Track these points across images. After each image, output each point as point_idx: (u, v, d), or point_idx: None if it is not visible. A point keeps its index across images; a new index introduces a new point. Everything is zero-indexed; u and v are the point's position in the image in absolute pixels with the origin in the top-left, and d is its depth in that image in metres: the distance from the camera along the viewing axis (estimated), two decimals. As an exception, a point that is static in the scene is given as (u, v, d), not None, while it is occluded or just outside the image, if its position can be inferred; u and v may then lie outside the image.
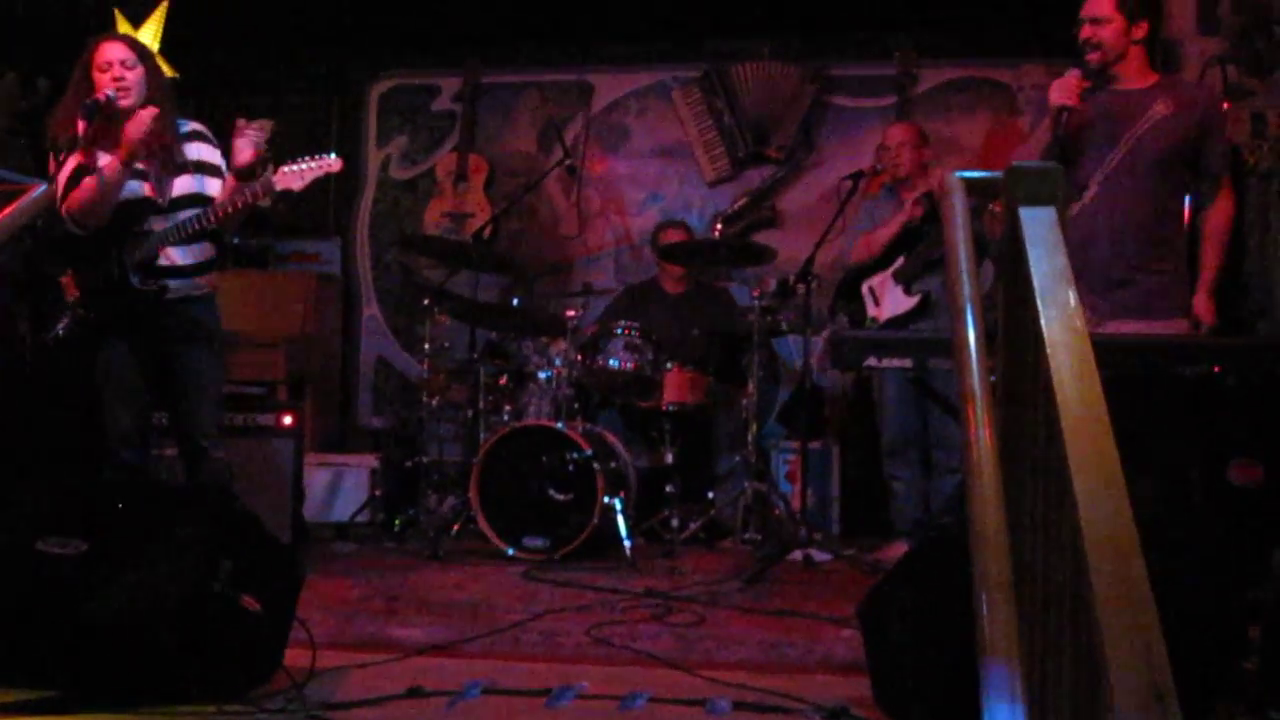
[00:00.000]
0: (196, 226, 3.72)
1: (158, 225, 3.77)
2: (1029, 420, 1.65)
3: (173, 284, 3.82)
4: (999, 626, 1.24)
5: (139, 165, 3.75)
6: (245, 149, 3.69)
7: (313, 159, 3.71)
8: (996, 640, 1.24)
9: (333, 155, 3.75)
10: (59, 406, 4.35)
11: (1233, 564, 2.64)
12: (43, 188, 2.56)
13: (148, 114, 3.67)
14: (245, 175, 3.72)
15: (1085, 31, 3.65)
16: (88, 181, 3.68)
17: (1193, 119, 3.62)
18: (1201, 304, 3.65)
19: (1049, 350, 1.51)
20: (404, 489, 5.94)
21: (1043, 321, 1.55)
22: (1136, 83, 3.68)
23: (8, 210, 2.38)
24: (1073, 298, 1.59)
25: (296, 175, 3.69)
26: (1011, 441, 1.74)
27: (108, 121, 3.72)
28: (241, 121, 3.76)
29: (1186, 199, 3.77)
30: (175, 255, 3.82)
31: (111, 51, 3.76)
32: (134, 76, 3.76)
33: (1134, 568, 1.21)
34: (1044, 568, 1.54)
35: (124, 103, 3.72)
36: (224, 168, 3.87)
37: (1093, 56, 3.63)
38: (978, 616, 1.27)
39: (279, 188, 3.69)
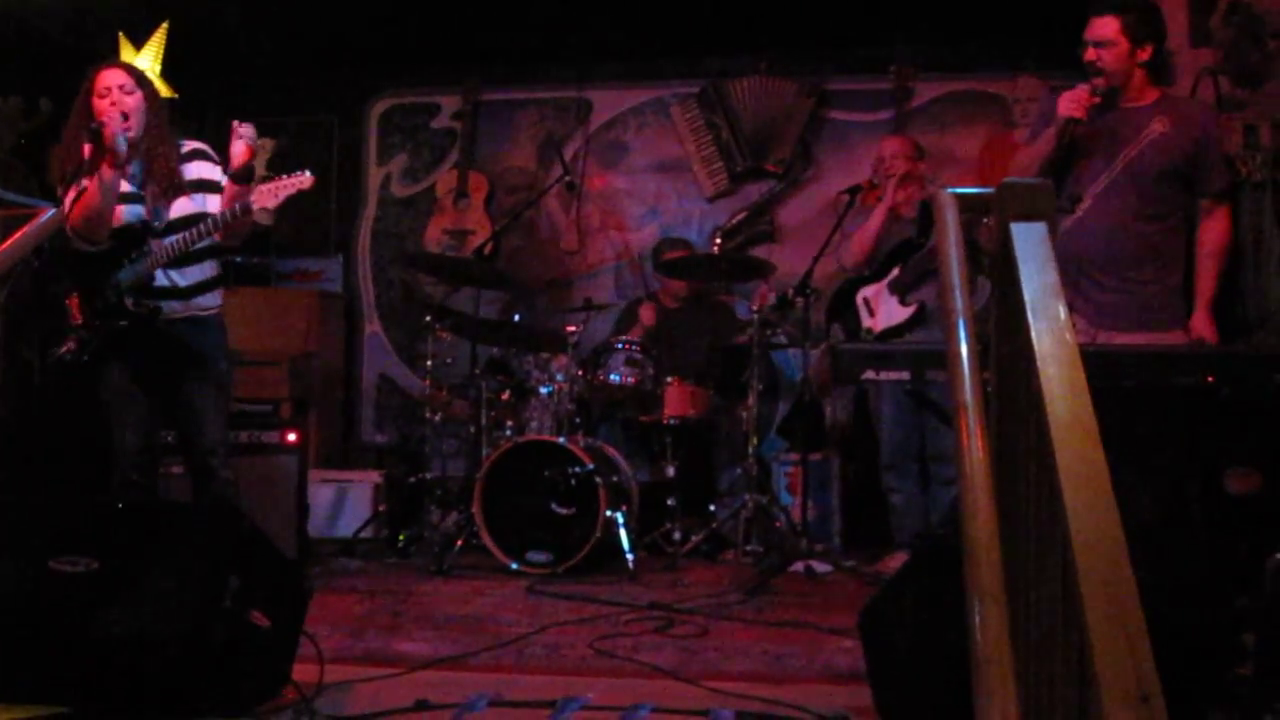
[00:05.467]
0: (181, 245, 3.77)
1: (156, 248, 3.82)
2: (1021, 432, 1.69)
3: (174, 305, 3.86)
4: (991, 633, 1.28)
5: (138, 189, 3.80)
6: (240, 153, 3.74)
7: (287, 176, 3.76)
8: (988, 646, 1.27)
9: (306, 172, 3.78)
10: (68, 426, 4.38)
11: (1228, 571, 2.67)
12: (52, 212, 2.60)
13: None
14: (242, 178, 3.77)
15: (1089, 54, 3.64)
16: (86, 193, 3.72)
17: (1190, 137, 3.65)
18: (1201, 321, 3.67)
19: (1039, 363, 1.54)
20: (407, 505, 5.97)
21: (1033, 334, 1.59)
22: (1137, 101, 3.70)
23: (18, 234, 2.42)
24: (1063, 311, 1.62)
25: (270, 193, 3.73)
26: (1004, 452, 1.77)
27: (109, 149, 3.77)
28: (236, 123, 3.81)
29: (1184, 216, 3.78)
30: (175, 276, 3.86)
31: (110, 78, 3.81)
32: (133, 102, 3.80)
33: (1121, 574, 1.25)
34: (1035, 575, 1.57)
35: (130, 133, 3.76)
36: (224, 182, 3.91)
37: (1097, 81, 3.62)
38: (970, 623, 1.30)
39: (256, 205, 3.74)
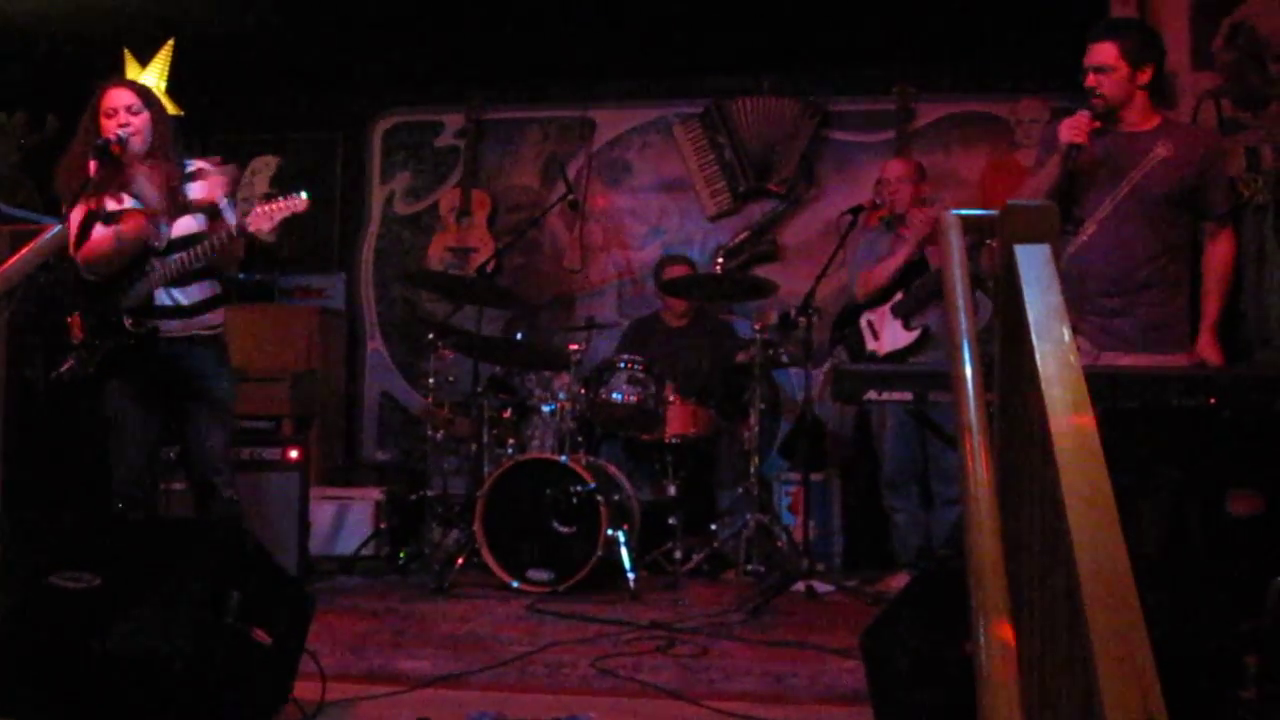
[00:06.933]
0: (180, 265, 3.79)
1: (158, 266, 3.83)
2: (1025, 453, 1.69)
3: (174, 324, 3.87)
4: (995, 654, 1.28)
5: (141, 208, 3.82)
6: (201, 190, 3.83)
7: (282, 199, 3.77)
8: (992, 668, 1.27)
9: (303, 194, 3.79)
10: (70, 444, 4.39)
11: (1231, 593, 2.66)
12: (58, 228, 2.61)
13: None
14: (208, 214, 3.81)
15: (1090, 80, 3.65)
16: (106, 233, 3.75)
17: (1193, 162, 3.65)
18: (1206, 344, 3.67)
19: (1043, 384, 1.54)
20: (408, 522, 5.95)
21: (1037, 356, 1.59)
22: (1139, 125, 3.70)
23: (24, 250, 2.42)
24: (1066, 333, 1.63)
25: (265, 216, 3.75)
26: (1008, 473, 1.77)
27: (115, 168, 3.79)
28: (204, 164, 3.84)
29: (1188, 238, 3.79)
30: (177, 295, 3.87)
31: (117, 98, 3.83)
32: (139, 121, 3.83)
33: (1126, 596, 1.25)
34: (1040, 596, 1.57)
35: (134, 146, 3.79)
36: (223, 205, 3.94)
37: (1097, 104, 3.64)
38: (975, 644, 1.30)
39: (251, 229, 3.76)
